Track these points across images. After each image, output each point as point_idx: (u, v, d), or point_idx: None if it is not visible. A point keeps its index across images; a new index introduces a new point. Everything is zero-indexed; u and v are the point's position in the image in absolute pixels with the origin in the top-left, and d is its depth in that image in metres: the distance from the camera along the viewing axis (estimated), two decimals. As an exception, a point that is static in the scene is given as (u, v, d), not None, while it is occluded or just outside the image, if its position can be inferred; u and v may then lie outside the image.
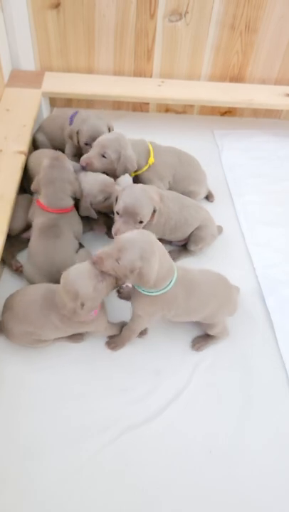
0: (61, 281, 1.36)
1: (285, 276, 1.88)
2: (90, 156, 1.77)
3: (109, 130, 1.92)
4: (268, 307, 1.76)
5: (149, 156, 1.87)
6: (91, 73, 2.44)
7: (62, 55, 2.37)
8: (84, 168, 1.78)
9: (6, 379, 1.49)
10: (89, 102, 2.58)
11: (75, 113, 2.00)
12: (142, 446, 1.39)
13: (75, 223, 1.72)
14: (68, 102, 2.57)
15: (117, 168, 1.78)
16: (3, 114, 2.11)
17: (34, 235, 1.66)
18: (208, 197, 2.18)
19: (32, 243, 1.66)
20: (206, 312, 1.51)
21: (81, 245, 1.78)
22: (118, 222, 1.57)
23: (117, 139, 1.77)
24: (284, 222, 2.11)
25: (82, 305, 1.32)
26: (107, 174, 1.80)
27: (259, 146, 2.52)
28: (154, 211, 1.62)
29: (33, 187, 1.70)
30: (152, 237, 1.34)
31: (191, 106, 2.67)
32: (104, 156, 1.75)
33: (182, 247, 1.91)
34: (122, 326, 1.60)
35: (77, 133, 1.90)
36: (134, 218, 1.56)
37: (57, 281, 1.55)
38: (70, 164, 1.72)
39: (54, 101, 2.54)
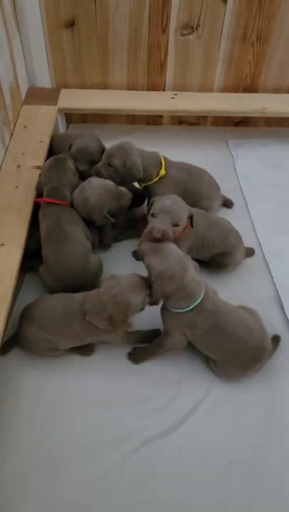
0: (107, 290, 1.38)
1: (303, 284, 1.86)
2: (98, 165, 1.82)
3: (103, 151, 1.91)
4: (287, 315, 1.74)
5: (160, 167, 1.87)
6: (106, 89, 2.49)
7: (78, 72, 2.43)
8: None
9: (26, 391, 1.50)
10: (104, 117, 2.62)
11: None
12: (163, 457, 1.38)
13: (78, 222, 1.73)
14: (84, 117, 2.62)
15: (123, 175, 1.80)
16: (21, 130, 2.17)
17: (43, 242, 1.68)
18: (227, 204, 2.18)
19: (43, 251, 1.68)
20: (217, 356, 1.52)
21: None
22: (153, 221, 1.53)
23: (122, 146, 1.81)
24: (300, 230, 2.10)
25: (127, 316, 1.36)
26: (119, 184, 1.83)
27: (274, 155, 2.51)
28: (191, 218, 1.62)
29: (36, 187, 1.77)
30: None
31: (205, 117, 2.69)
32: (110, 165, 1.79)
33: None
34: (138, 337, 1.60)
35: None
36: (171, 217, 1.53)
37: (71, 285, 1.60)
38: (70, 164, 1.77)
39: (70, 117, 2.59)
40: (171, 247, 1.42)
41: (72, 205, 1.74)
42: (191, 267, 1.41)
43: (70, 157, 1.85)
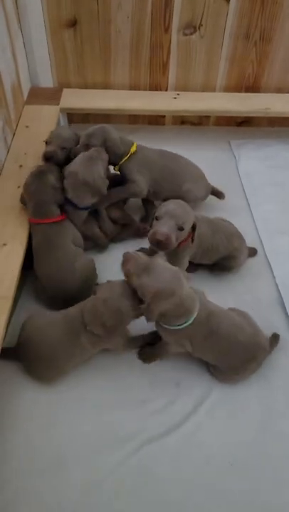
0: (98, 300, 1.37)
1: (306, 284, 1.85)
2: (78, 147, 1.85)
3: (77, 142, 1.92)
4: (289, 315, 1.74)
5: (131, 146, 1.89)
6: (108, 88, 2.49)
7: (80, 72, 2.43)
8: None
9: (26, 392, 1.50)
10: (106, 117, 2.61)
11: None
12: (163, 458, 1.38)
13: (70, 231, 1.72)
14: (86, 117, 2.62)
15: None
16: (23, 130, 2.17)
17: (34, 255, 1.67)
18: (217, 194, 2.09)
19: (34, 265, 1.68)
20: (215, 360, 1.51)
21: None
22: (157, 224, 1.50)
23: (101, 126, 1.86)
24: (303, 231, 2.09)
25: (122, 322, 1.35)
26: None
27: (276, 155, 2.51)
28: (194, 229, 1.58)
29: (21, 199, 1.75)
30: None
31: (207, 117, 2.69)
32: (89, 145, 1.81)
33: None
34: (140, 342, 1.60)
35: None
36: (175, 220, 1.49)
37: (64, 293, 1.62)
38: (52, 177, 1.71)
39: (72, 116, 2.59)
40: (160, 262, 1.33)
41: (62, 214, 1.70)
42: (185, 279, 1.34)
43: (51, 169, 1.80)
